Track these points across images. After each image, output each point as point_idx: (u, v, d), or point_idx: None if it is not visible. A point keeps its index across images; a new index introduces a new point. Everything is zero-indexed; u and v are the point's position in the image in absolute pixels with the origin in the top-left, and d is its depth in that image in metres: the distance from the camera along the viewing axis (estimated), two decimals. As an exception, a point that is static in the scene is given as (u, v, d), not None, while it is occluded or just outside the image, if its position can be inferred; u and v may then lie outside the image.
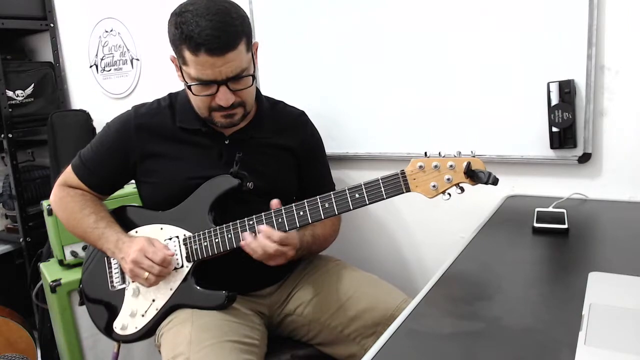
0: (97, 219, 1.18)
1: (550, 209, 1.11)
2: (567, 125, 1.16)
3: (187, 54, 1.03)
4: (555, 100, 1.17)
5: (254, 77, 1.10)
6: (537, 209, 1.09)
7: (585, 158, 1.19)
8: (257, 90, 1.25)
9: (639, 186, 1.16)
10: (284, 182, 1.23)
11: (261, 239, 1.03)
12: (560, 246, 0.95)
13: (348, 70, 1.48)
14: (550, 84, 1.17)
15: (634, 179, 1.16)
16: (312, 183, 1.27)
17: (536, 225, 1.02)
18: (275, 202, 1.06)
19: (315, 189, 1.08)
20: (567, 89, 1.15)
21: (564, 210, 1.07)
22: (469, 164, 0.90)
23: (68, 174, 1.24)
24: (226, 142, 1.18)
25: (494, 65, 1.25)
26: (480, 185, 1.35)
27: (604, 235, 1.04)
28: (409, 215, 1.50)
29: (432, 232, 1.46)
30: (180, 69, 1.10)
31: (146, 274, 1.08)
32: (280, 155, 1.23)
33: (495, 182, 0.89)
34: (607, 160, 1.19)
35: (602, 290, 0.71)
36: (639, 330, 0.60)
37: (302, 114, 1.31)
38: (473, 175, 0.90)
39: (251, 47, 1.10)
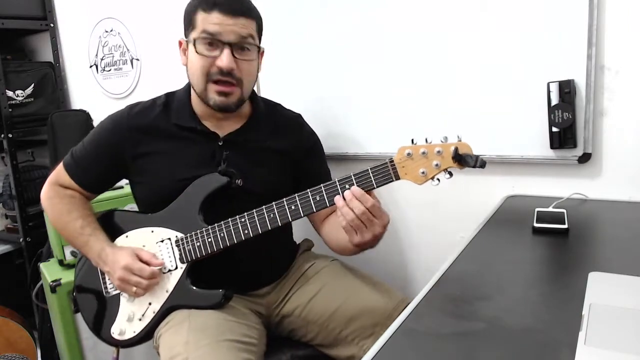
0: (84, 225, 1.18)
1: (550, 209, 1.11)
2: (567, 125, 1.16)
3: (200, 16, 1.07)
4: (555, 100, 1.17)
5: (258, 49, 1.14)
6: (537, 209, 1.09)
7: (585, 158, 1.19)
8: (254, 92, 1.25)
9: (639, 186, 1.16)
10: (276, 186, 1.19)
11: (352, 200, 0.97)
12: (560, 246, 0.95)
13: (348, 70, 1.48)
14: (550, 84, 1.17)
15: (634, 179, 1.16)
16: (312, 183, 1.26)
17: (536, 225, 1.02)
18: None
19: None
20: (567, 89, 1.15)
21: (564, 210, 1.07)
22: (456, 148, 0.91)
23: (59, 172, 1.24)
24: (220, 144, 1.17)
25: (494, 65, 1.25)
26: (480, 185, 1.35)
27: (604, 235, 1.04)
28: (409, 215, 1.50)
29: (432, 232, 1.46)
30: (187, 46, 1.12)
31: (134, 288, 1.10)
32: (274, 159, 1.21)
33: (482, 164, 0.89)
34: (607, 160, 1.19)
35: (602, 290, 0.71)
36: (639, 330, 0.60)
37: (299, 116, 1.31)
38: (461, 160, 0.91)
39: (260, 37, 1.15)
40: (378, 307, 1.11)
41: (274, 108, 1.29)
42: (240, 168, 1.13)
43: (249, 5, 1.11)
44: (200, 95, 1.13)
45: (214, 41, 1.07)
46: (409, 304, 1.12)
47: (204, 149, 1.17)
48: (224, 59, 1.06)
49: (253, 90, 1.25)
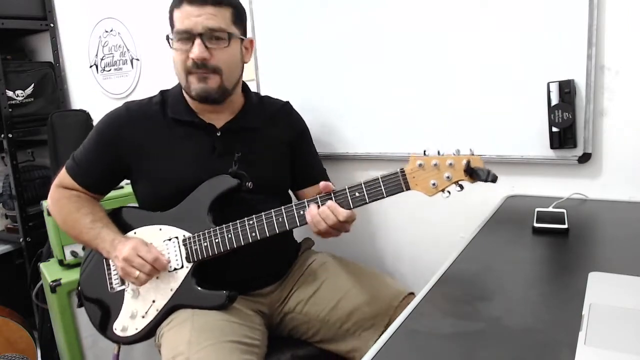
0: (94, 219, 1.18)
1: (550, 209, 1.11)
2: (567, 125, 1.16)
3: (175, 13, 1.10)
4: (555, 100, 1.17)
5: (229, 35, 1.10)
6: (537, 209, 1.09)
7: (585, 158, 1.19)
8: (245, 85, 1.28)
9: (639, 186, 1.16)
10: (278, 172, 1.25)
11: (327, 212, 1.00)
12: (560, 246, 0.95)
13: (348, 70, 1.48)
14: (550, 84, 1.17)
15: (634, 179, 1.16)
16: (304, 167, 1.29)
17: (536, 225, 1.02)
18: (322, 185, 1.02)
19: (307, 174, 1.08)
20: (567, 89, 1.15)
21: (564, 210, 1.07)
22: (468, 162, 0.91)
23: (63, 176, 1.24)
24: (218, 134, 1.19)
25: (494, 65, 1.25)
26: (480, 185, 1.35)
27: (604, 235, 1.04)
28: (409, 215, 1.50)
29: (432, 231, 1.46)
30: (170, 44, 1.13)
31: (137, 272, 1.08)
32: (271, 144, 1.24)
33: (494, 179, 0.89)
34: (607, 160, 1.19)
35: (602, 290, 0.71)
36: (639, 330, 0.60)
37: (287, 103, 1.35)
38: (472, 173, 0.91)
39: (239, 26, 1.14)
40: (378, 298, 1.12)
41: (263, 98, 1.33)
42: (240, 154, 1.15)
43: None
44: (185, 89, 1.16)
45: (185, 35, 1.08)
46: (409, 293, 1.13)
47: (203, 141, 1.18)
48: (195, 49, 1.08)
49: (245, 83, 1.27)
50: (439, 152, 0.95)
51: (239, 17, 1.15)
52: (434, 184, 0.94)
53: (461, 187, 0.95)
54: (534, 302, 0.75)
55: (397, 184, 0.97)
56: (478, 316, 0.71)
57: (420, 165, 0.95)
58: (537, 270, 0.87)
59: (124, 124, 1.18)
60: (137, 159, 1.18)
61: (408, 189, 0.96)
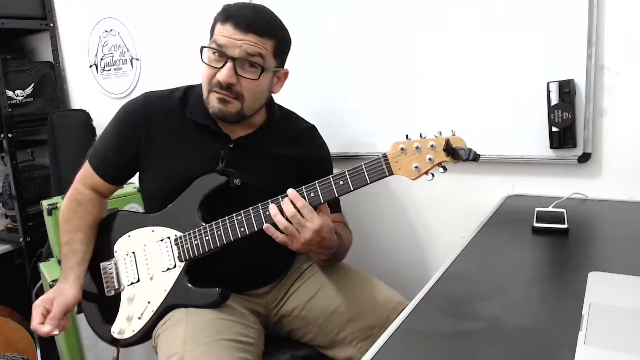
0: (69, 241, 1.21)
1: (550, 209, 1.11)
2: (567, 125, 1.16)
3: (217, 26, 1.08)
4: (555, 100, 1.17)
5: (262, 70, 1.07)
6: (537, 209, 1.09)
7: (585, 158, 1.19)
8: (272, 100, 1.23)
9: (639, 186, 1.16)
10: (283, 187, 1.20)
11: (286, 202, 0.99)
12: (560, 246, 0.95)
13: (349, 70, 1.48)
14: (550, 84, 1.17)
15: (634, 179, 1.17)
16: None
17: (536, 225, 1.02)
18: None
19: None
20: (567, 89, 1.15)
21: (564, 210, 1.07)
22: (448, 141, 0.90)
23: (85, 167, 1.24)
24: (231, 146, 1.16)
25: (494, 65, 1.25)
26: (480, 185, 1.36)
27: (604, 235, 1.04)
28: (409, 215, 1.50)
29: (432, 232, 1.46)
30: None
31: (37, 319, 1.13)
32: (282, 167, 1.20)
33: (476, 158, 0.89)
34: (607, 160, 1.19)
35: (602, 290, 0.71)
36: (639, 330, 0.60)
37: (313, 128, 1.29)
38: (454, 154, 0.90)
39: (278, 58, 1.12)
40: (376, 309, 1.11)
41: (288, 117, 1.28)
42: (246, 172, 1.13)
43: (269, 25, 1.07)
44: (205, 101, 1.13)
45: (220, 53, 1.06)
46: (407, 306, 1.12)
47: (214, 149, 1.16)
48: (223, 72, 1.05)
49: (271, 98, 1.22)
50: (421, 135, 0.94)
51: (282, 50, 1.11)
52: (416, 167, 0.93)
53: (445, 168, 0.94)
54: (534, 302, 0.75)
55: (380, 169, 0.96)
56: (478, 316, 0.71)
57: (402, 149, 0.94)
58: (537, 270, 0.87)
59: (141, 115, 1.17)
60: (148, 151, 1.17)
61: (391, 173, 0.95)
